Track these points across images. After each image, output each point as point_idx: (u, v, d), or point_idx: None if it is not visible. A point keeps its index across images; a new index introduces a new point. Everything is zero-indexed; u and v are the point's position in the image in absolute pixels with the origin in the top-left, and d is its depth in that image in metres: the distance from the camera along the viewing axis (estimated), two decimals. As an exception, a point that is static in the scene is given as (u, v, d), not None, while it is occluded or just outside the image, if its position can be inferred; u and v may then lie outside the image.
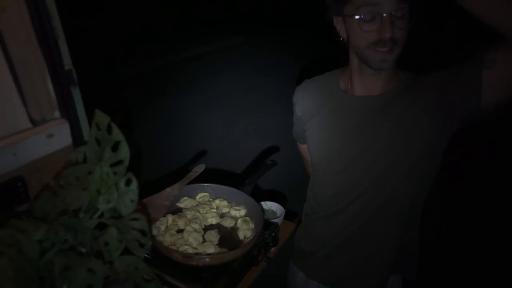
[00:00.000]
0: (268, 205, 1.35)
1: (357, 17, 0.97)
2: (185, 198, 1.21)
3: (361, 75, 1.10)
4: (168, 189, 1.14)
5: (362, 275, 1.21)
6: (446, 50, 5.94)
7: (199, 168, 1.21)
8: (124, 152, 0.77)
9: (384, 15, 0.94)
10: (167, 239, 1.04)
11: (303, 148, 1.32)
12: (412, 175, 1.06)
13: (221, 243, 1.07)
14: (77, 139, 0.91)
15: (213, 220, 1.14)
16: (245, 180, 1.28)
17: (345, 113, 1.13)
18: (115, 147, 0.77)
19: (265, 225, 1.16)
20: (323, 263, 1.23)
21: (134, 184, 0.75)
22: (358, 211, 1.13)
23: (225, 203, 1.21)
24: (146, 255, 1.02)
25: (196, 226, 1.09)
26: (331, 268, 1.22)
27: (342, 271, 1.22)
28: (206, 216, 1.15)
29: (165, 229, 1.08)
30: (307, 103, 1.23)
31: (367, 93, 1.11)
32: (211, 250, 1.02)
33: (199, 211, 1.16)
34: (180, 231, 1.08)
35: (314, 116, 1.20)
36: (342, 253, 1.19)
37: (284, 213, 1.31)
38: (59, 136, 0.87)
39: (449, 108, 0.99)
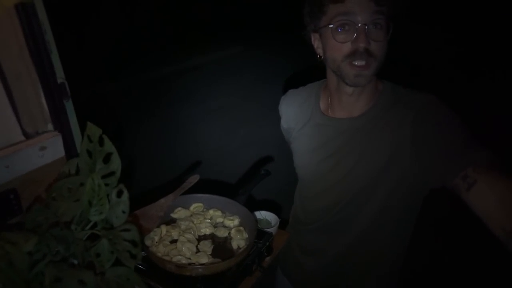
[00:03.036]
0: (262, 214, 1.35)
1: (331, 26, 0.96)
2: (179, 208, 1.21)
3: (340, 94, 1.08)
4: (162, 200, 1.15)
5: None
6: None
7: (193, 179, 1.21)
8: (116, 163, 0.78)
9: (359, 25, 0.93)
10: (161, 250, 1.04)
11: None
12: (391, 196, 1.05)
13: (214, 253, 1.07)
14: (70, 151, 0.92)
15: (207, 230, 1.15)
16: (239, 190, 1.29)
17: (326, 135, 1.13)
18: (107, 158, 0.78)
19: (259, 234, 1.16)
20: (310, 275, 1.24)
21: (125, 195, 0.76)
22: (346, 224, 1.13)
23: (219, 213, 1.22)
24: (140, 266, 1.03)
25: (189, 236, 1.09)
26: (317, 278, 1.23)
27: (329, 283, 1.22)
28: (199, 226, 1.15)
29: (158, 240, 1.08)
30: (291, 118, 1.25)
31: (347, 115, 1.09)
32: (205, 260, 1.02)
33: (193, 222, 1.16)
34: (174, 241, 1.08)
35: (297, 131, 1.22)
36: (330, 267, 1.20)
37: (278, 222, 1.31)
38: (52, 148, 0.88)
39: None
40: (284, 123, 1.30)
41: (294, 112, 1.24)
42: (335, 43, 0.97)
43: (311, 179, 1.20)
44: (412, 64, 4.91)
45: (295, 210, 1.31)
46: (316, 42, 1.08)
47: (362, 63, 0.95)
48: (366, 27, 0.93)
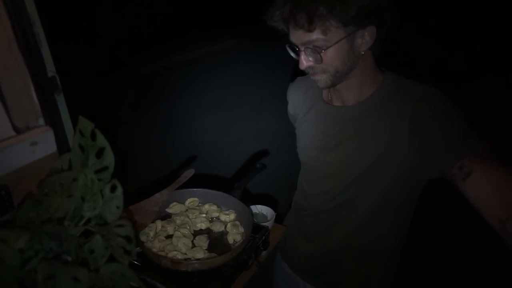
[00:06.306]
0: (258, 208, 1.35)
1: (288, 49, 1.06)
2: (174, 203, 1.21)
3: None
4: (157, 195, 1.14)
5: (349, 278, 1.22)
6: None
7: (188, 173, 1.20)
8: (109, 158, 0.76)
9: (297, 49, 1.02)
10: (156, 245, 1.03)
11: None
12: (389, 185, 1.06)
13: (211, 248, 1.06)
14: (62, 146, 0.90)
15: (203, 225, 1.14)
16: (234, 184, 1.28)
17: (326, 122, 1.17)
18: (100, 153, 0.76)
19: (255, 228, 1.15)
20: (309, 260, 1.25)
21: (119, 191, 0.74)
22: (344, 210, 1.15)
23: (214, 207, 1.21)
24: (135, 262, 1.02)
25: (185, 231, 1.08)
26: (316, 264, 1.24)
27: (327, 268, 1.23)
28: (195, 221, 1.14)
29: (154, 235, 1.07)
30: (297, 104, 1.29)
31: (343, 104, 1.14)
32: (201, 255, 1.02)
33: (188, 216, 1.15)
34: (169, 236, 1.08)
35: (301, 117, 1.26)
36: (329, 253, 1.20)
37: (274, 216, 1.31)
38: (43, 143, 0.86)
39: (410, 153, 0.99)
40: (290, 109, 1.34)
41: (299, 98, 1.28)
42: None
43: (311, 163, 1.23)
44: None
45: (296, 195, 1.33)
46: None
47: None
48: (303, 50, 1.01)
